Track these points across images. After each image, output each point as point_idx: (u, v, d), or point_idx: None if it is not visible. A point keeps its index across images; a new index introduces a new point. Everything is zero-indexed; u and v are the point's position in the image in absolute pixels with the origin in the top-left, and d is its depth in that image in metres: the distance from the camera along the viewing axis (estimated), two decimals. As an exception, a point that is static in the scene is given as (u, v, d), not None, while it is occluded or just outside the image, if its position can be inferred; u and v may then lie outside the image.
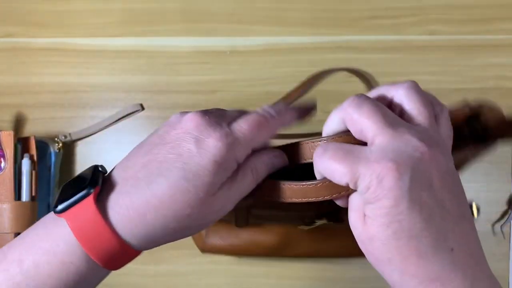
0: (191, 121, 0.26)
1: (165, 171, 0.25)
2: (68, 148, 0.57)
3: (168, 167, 0.25)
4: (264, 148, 0.29)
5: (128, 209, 0.25)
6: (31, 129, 0.57)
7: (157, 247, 0.28)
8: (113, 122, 0.57)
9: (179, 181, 0.25)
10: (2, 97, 0.58)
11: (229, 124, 0.27)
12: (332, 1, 0.58)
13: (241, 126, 0.27)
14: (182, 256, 0.56)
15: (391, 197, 0.23)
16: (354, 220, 0.25)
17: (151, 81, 0.58)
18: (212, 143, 0.25)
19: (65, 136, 0.56)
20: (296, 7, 0.58)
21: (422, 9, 0.58)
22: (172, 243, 0.28)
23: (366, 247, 0.25)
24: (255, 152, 0.28)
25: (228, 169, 0.26)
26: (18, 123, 0.57)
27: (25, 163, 0.51)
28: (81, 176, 0.27)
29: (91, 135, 0.57)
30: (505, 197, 0.57)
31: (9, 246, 0.26)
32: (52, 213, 0.26)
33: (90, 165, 0.54)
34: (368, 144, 0.25)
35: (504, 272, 0.57)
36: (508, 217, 0.56)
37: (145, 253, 0.58)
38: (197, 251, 0.51)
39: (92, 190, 0.25)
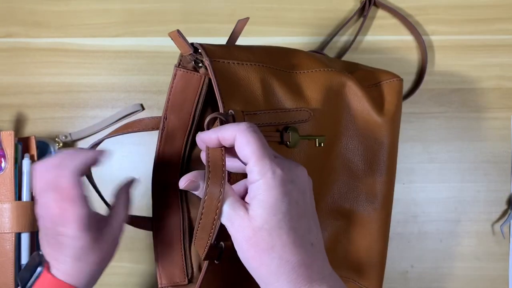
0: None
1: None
2: (68, 148, 0.57)
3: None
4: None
5: (63, 273, 0.38)
6: (32, 129, 0.57)
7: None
8: (113, 122, 0.57)
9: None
10: (2, 97, 0.58)
11: None
12: (332, 1, 0.58)
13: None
14: (182, 256, 0.56)
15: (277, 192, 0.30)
16: (238, 216, 0.31)
17: (151, 81, 0.58)
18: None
19: (65, 136, 0.56)
20: (295, 7, 0.58)
21: (422, 9, 0.58)
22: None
23: (250, 240, 0.30)
24: None
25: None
26: (19, 123, 0.57)
27: (26, 163, 0.51)
28: (28, 264, 0.39)
29: (91, 135, 0.57)
30: (505, 197, 0.57)
31: None
32: None
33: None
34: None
35: (504, 272, 0.57)
36: (508, 217, 0.56)
37: (144, 253, 0.57)
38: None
39: (42, 267, 0.38)
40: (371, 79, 0.48)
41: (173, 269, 0.45)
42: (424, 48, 0.56)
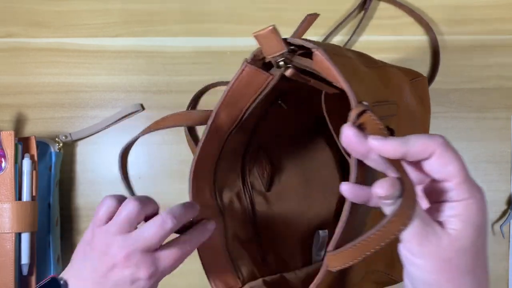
0: (124, 260, 0.35)
1: None
2: (68, 148, 0.57)
3: None
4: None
5: None
6: (32, 129, 0.57)
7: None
8: (113, 122, 0.57)
9: None
10: (2, 97, 0.58)
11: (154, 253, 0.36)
12: (332, 1, 0.58)
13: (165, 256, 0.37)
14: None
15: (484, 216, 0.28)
16: (435, 235, 0.28)
17: (151, 81, 0.58)
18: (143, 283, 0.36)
19: (66, 136, 0.56)
20: (296, 7, 0.58)
21: (422, 9, 0.58)
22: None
23: (451, 261, 0.28)
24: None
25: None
26: (19, 123, 0.57)
27: (26, 163, 0.51)
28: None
29: (91, 135, 0.57)
30: (505, 197, 0.57)
31: None
32: None
33: (90, 165, 0.55)
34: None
35: (504, 272, 0.57)
36: (508, 217, 0.56)
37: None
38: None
39: None
40: (407, 76, 0.48)
41: (225, 277, 0.44)
42: (436, 44, 0.57)
